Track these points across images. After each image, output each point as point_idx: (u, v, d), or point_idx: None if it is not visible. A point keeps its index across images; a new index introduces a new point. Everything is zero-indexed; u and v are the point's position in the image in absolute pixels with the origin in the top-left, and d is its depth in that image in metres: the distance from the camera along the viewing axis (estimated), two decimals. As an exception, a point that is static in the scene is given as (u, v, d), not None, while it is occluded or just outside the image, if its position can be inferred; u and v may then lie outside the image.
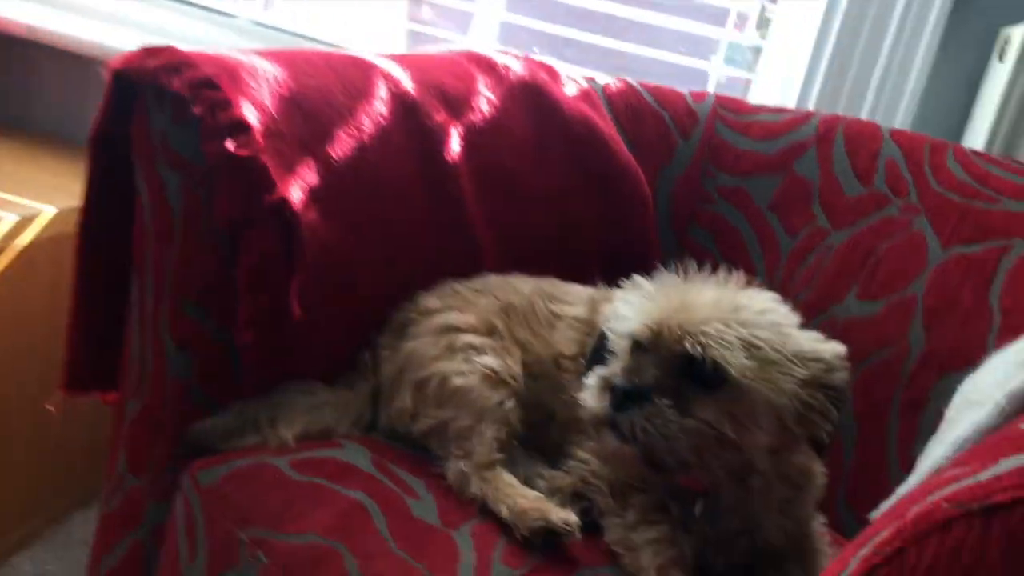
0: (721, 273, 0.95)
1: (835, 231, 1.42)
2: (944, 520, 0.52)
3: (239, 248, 1.04)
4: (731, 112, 1.55)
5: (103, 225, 1.14)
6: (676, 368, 0.86)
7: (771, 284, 1.42)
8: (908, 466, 1.28)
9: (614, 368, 0.89)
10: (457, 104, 1.25)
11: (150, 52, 1.06)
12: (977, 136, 1.70)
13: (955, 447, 0.78)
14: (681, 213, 1.50)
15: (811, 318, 1.36)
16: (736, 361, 0.83)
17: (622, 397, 0.85)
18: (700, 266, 0.96)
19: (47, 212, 1.57)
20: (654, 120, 1.50)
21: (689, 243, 1.50)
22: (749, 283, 0.94)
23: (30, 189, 1.64)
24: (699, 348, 0.84)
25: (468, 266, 1.21)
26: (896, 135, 1.46)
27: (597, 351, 0.96)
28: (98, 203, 1.13)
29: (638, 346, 0.89)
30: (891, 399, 1.27)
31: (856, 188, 1.43)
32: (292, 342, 1.07)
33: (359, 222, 1.12)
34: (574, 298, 1.13)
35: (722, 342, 0.84)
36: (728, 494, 0.92)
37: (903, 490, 0.82)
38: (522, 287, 1.15)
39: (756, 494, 0.92)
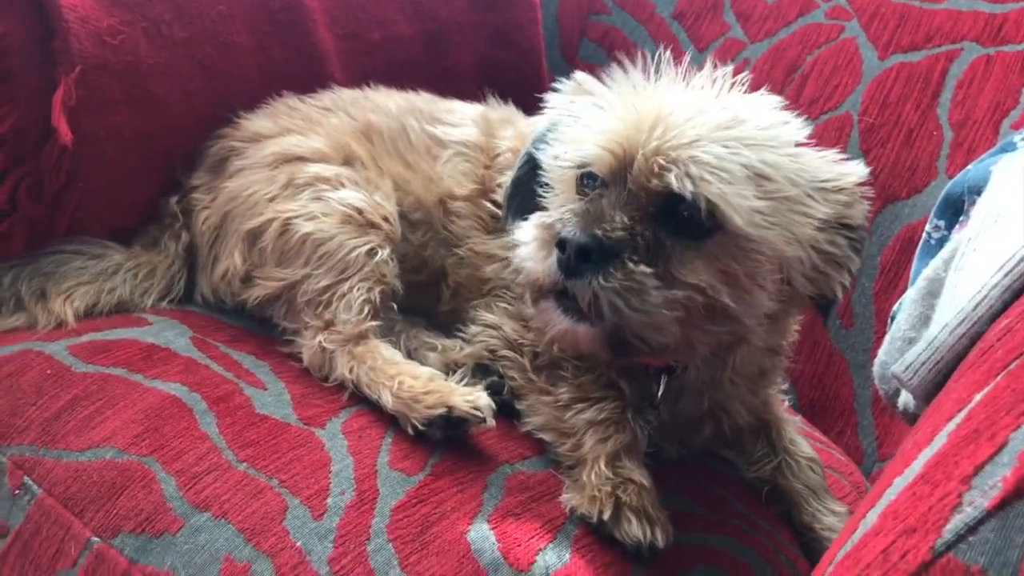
0: (706, 65, 0.68)
1: (752, 43, 1.21)
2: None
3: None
4: (624, -97, 1.28)
5: None
6: (652, 210, 0.60)
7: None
8: (845, 315, 1.12)
9: (562, 213, 0.62)
10: None
11: None
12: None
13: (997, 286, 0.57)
14: (570, 26, 1.28)
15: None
16: (742, 200, 0.58)
17: (577, 256, 0.58)
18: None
19: None
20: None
21: (578, 63, 1.25)
22: (740, 78, 0.68)
23: None
24: (688, 182, 0.58)
25: (305, 79, 0.91)
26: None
27: (519, 187, 0.69)
28: None
29: (594, 180, 0.62)
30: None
31: (774, -9, 1.21)
32: (64, 180, 0.75)
33: (158, 18, 0.80)
34: (460, 118, 0.85)
35: (723, 173, 0.58)
36: (697, 370, 0.69)
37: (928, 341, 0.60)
38: (386, 103, 0.86)
39: (731, 371, 0.69)
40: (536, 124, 0.70)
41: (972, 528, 0.34)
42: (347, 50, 0.96)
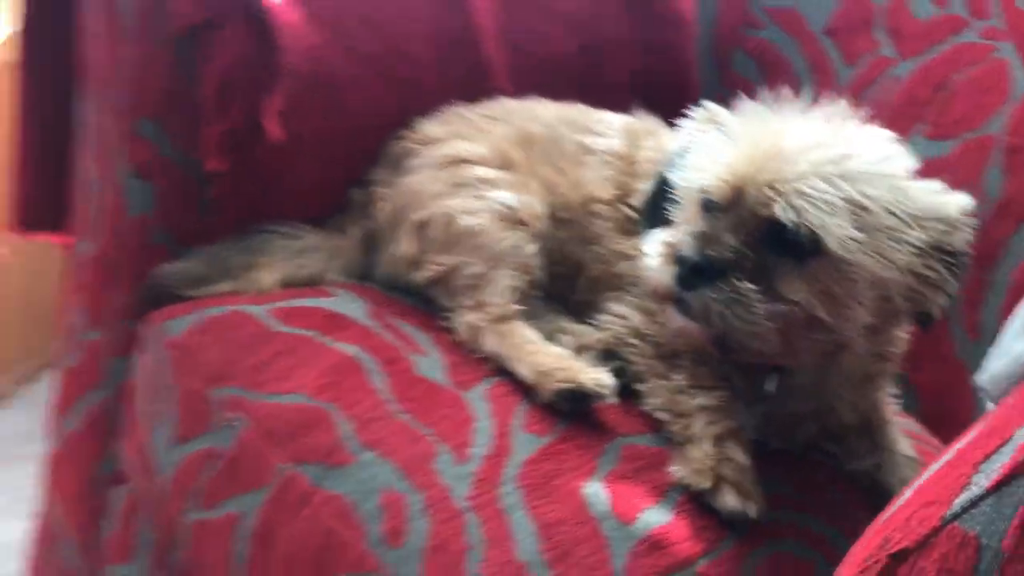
0: (823, 100, 0.76)
1: (902, 60, 1.25)
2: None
3: (202, 56, 0.90)
4: (785, -79, 1.35)
5: (47, 44, 1.01)
6: (760, 234, 0.69)
7: (824, 121, 1.27)
8: (973, 328, 1.16)
9: (682, 233, 0.72)
10: None
11: None
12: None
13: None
14: (723, 40, 1.34)
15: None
16: (839, 230, 0.66)
17: (691, 272, 0.69)
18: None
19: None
20: (695, -70, 1.30)
21: (731, 75, 1.34)
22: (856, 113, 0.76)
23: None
24: (792, 213, 0.67)
25: (476, 88, 1.04)
26: (981, -55, 1.27)
27: (655, 201, 0.79)
28: (39, 16, 0.96)
29: (712, 204, 0.72)
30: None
31: (928, 9, 1.26)
32: (270, 172, 0.93)
33: (348, 26, 0.97)
34: (608, 128, 0.96)
35: (823, 205, 0.66)
36: (805, 372, 0.77)
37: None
38: (544, 113, 0.98)
39: (839, 374, 0.77)
40: (670, 147, 0.80)
41: (974, 503, 0.42)
42: (514, 64, 1.09)
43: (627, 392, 0.82)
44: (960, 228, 0.72)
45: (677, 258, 0.70)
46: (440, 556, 0.66)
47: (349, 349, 0.81)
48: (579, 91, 1.11)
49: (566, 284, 0.92)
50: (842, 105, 0.75)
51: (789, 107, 0.75)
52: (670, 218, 0.77)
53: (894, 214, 0.68)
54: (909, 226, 0.69)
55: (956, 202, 0.72)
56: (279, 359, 0.81)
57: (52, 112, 1.02)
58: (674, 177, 0.76)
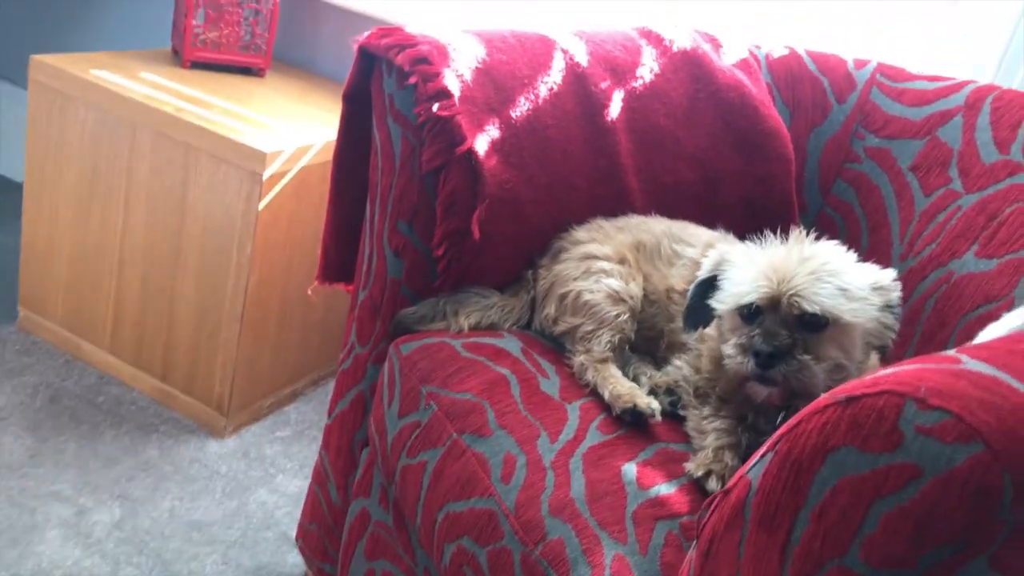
0: (796, 232, 1.18)
1: (966, 194, 1.56)
2: (822, 406, 0.78)
3: (438, 184, 1.40)
4: (888, 79, 1.70)
5: (350, 159, 1.54)
6: (794, 322, 1.11)
7: (902, 238, 1.62)
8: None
9: (749, 334, 1.13)
10: (622, 73, 1.53)
11: (384, 32, 1.43)
12: None
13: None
14: (828, 170, 1.69)
15: (931, 270, 1.56)
16: (843, 307, 1.08)
17: (768, 358, 1.10)
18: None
19: (320, 141, 2.02)
20: (812, 85, 1.70)
21: (832, 199, 1.70)
22: (815, 235, 1.17)
23: (309, 122, 2.11)
24: (815, 306, 1.08)
25: (618, 207, 1.50)
26: (1043, 106, 1.56)
27: (693, 305, 1.22)
28: (346, 142, 1.54)
29: (756, 310, 1.13)
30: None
31: (993, 155, 1.56)
32: (472, 255, 1.42)
33: (531, 169, 1.44)
34: (695, 240, 1.40)
35: (828, 295, 1.08)
36: (804, 404, 1.18)
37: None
38: (655, 227, 1.43)
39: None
40: (704, 267, 1.23)
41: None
42: (647, 189, 1.55)
43: (677, 416, 1.27)
44: (894, 290, 1.12)
45: (753, 351, 1.11)
46: (528, 490, 1.12)
47: (503, 370, 1.31)
48: (700, 210, 1.55)
49: (652, 344, 1.37)
50: (803, 233, 1.16)
51: (772, 240, 1.17)
52: (708, 321, 1.20)
53: (862, 288, 1.09)
54: (872, 294, 1.10)
55: (888, 274, 1.13)
56: (461, 372, 1.31)
57: (349, 204, 1.57)
58: (716, 292, 1.18)
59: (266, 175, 1.89)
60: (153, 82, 2.12)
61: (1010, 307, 1.45)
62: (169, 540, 1.80)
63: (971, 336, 1.45)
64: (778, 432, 0.82)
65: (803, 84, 1.69)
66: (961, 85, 1.65)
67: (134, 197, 2.06)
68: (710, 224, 1.48)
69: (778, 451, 0.80)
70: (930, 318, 1.51)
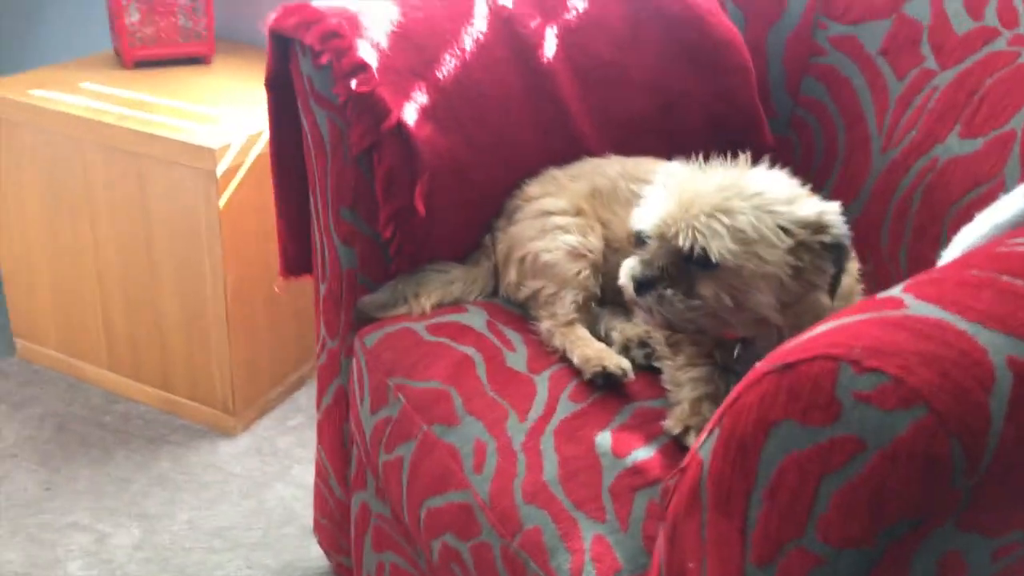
0: (741, 158, 1.09)
1: (942, 71, 1.44)
2: (760, 375, 0.71)
3: (373, 164, 1.32)
4: (845, -41, 1.57)
5: (287, 149, 1.47)
6: (682, 256, 1.04)
7: (880, 130, 1.52)
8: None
9: (639, 256, 1.08)
10: (552, 6, 1.43)
11: (291, 10, 1.34)
12: None
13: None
14: (793, 68, 1.58)
15: (914, 160, 1.46)
16: (719, 248, 1.00)
17: (638, 285, 1.06)
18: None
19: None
20: (763, -20, 1.57)
21: (802, 99, 1.59)
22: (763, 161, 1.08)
23: (260, 106, 2.02)
24: (688, 241, 1.02)
25: (571, 152, 1.41)
26: (1016, -40, 1.43)
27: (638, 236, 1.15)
28: (279, 132, 1.46)
29: (648, 239, 1.08)
30: (978, 237, 1.33)
31: (966, 24, 1.44)
32: (423, 232, 1.35)
33: (469, 130, 1.36)
34: (652, 176, 1.30)
35: (708, 232, 1.01)
36: (760, 339, 1.10)
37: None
38: (609, 170, 1.35)
39: (782, 338, 1.09)
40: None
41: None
42: (600, 129, 1.44)
43: (655, 369, 1.20)
44: (829, 227, 1.02)
45: (630, 276, 1.07)
46: (500, 479, 1.06)
47: (468, 350, 1.24)
48: (661, 141, 1.46)
49: (618, 294, 1.30)
50: (744, 159, 1.07)
51: (711, 166, 1.08)
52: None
53: (759, 231, 1.00)
54: (777, 236, 1.01)
55: (820, 211, 1.03)
56: (425, 358, 1.25)
57: (296, 195, 1.48)
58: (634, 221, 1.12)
59: (220, 171, 1.83)
60: (96, 92, 2.05)
61: (1002, 189, 1.34)
62: (191, 552, 1.79)
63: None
64: (722, 406, 0.75)
65: (754, -20, 1.57)
66: (924, -48, 1.51)
67: (98, 213, 2.01)
68: (672, 151, 1.38)
69: (723, 427, 0.74)
70: (919, 212, 1.41)
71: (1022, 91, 1.35)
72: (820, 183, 1.59)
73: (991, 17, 1.41)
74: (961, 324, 0.64)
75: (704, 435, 0.77)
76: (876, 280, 1.49)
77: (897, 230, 1.44)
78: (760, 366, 0.72)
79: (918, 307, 0.67)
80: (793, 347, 0.71)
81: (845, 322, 0.69)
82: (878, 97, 1.51)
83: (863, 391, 0.62)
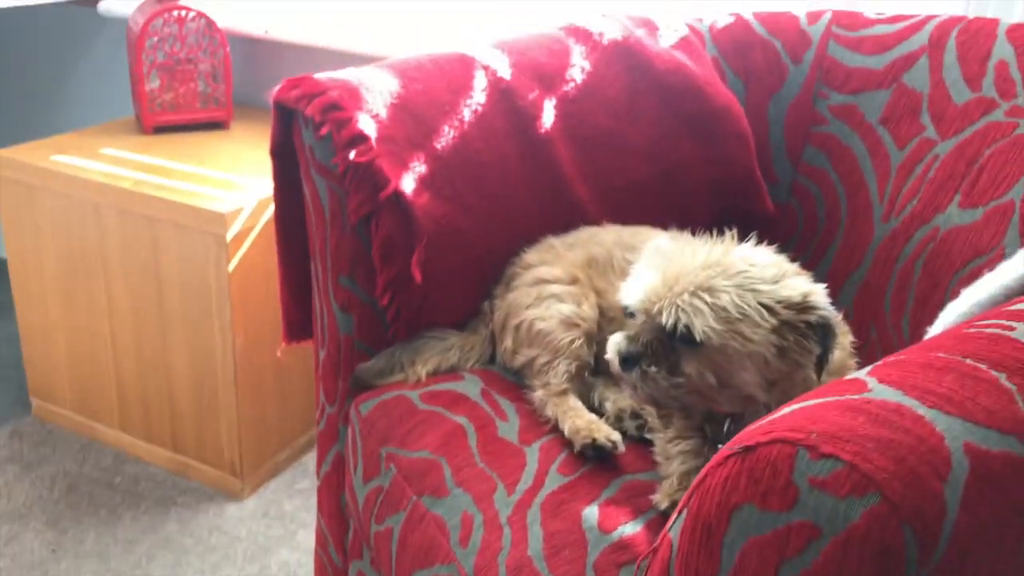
0: (728, 235, 1.09)
1: (942, 140, 1.44)
2: (724, 457, 0.71)
3: (371, 232, 1.34)
4: (845, 28, 1.59)
5: (290, 215, 1.49)
6: (668, 334, 1.03)
7: (881, 198, 1.51)
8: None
9: (625, 332, 1.07)
10: (550, 78, 1.45)
11: (294, 83, 1.37)
12: None
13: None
14: (795, 136, 1.59)
15: (916, 229, 1.45)
16: (702, 326, 0.99)
17: (622, 361, 1.05)
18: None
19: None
20: (763, 49, 1.59)
21: (804, 167, 1.59)
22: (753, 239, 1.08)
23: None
24: (671, 319, 1.01)
25: (570, 218, 1.42)
26: (1012, 32, 1.43)
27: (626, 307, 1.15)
28: (283, 199, 1.48)
29: (634, 314, 1.07)
30: (977, 308, 1.31)
31: (965, 94, 1.44)
32: (420, 298, 1.36)
33: (467, 198, 1.37)
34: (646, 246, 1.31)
35: (691, 310, 1.00)
36: (750, 414, 1.09)
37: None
38: (605, 238, 1.35)
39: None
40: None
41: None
42: (599, 195, 1.45)
43: (648, 441, 1.19)
44: (813, 307, 1.01)
45: (616, 351, 1.06)
46: (486, 553, 1.05)
47: (460, 419, 1.24)
48: (661, 206, 1.46)
49: (612, 364, 1.29)
50: (731, 235, 1.07)
51: (698, 241, 1.08)
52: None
53: (743, 310, 0.99)
54: (760, 315, 1.00)
55: (803, 291, 1.02)
56: (418, 427, 1.25)
57: (299, 261, 1.48)
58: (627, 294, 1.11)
59: (230, 235, 1.86)
60: (114, 157, 2.10)
61: (1001, 259, 1.33)
62: (193, 617, 1.78)
63: (963, 297, 1.33)
64: (691, 485, 0.74)
65: (754, 50, 1.58)
66: (923, 22, 1.53)
67: (112, 275, 2.05)
68: (675, 219, 1.39)
69: (690, 509, 0.73)
70: (921, 281, 1.40)
71: (1020, 162, 1.34)
72: (823, 250, 1.59)
73: (989, 88, 1.41)
74: (919, 409, 0.63)
75: (675, 515, 0.76)
76: (880, 349, 1.48)
77: (900, 299, 1.43)
78: (724, 448, 0.71)
79: (880, 391, 0.66)
80: (756, 429, 0.70)
81: (807, 404, 0.68)
82: (879, 165, 1.50)
83: (818, 477, 0.61)
